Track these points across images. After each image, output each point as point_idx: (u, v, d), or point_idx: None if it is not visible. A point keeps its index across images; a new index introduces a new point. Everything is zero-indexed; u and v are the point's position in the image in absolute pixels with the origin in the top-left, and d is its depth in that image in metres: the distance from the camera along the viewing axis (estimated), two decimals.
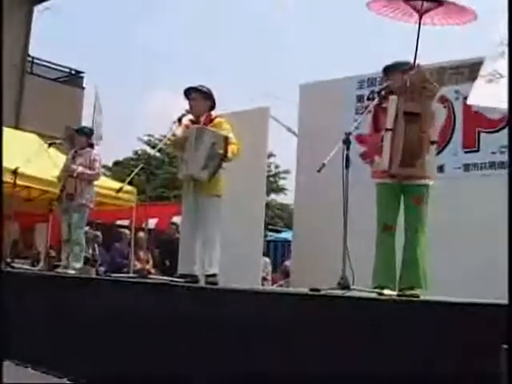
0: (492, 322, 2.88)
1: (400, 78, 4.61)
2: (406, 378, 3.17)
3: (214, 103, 5.62)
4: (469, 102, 5.39)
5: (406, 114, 4.24)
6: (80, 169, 7.05)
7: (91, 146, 7.46)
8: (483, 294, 3.46)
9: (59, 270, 6.98)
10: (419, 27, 4.63)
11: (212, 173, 5.29)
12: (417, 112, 4.27)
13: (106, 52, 43.35)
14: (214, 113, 5.64)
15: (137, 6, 47.99)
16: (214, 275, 5.25)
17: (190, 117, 5.56)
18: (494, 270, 4.46)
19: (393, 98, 4.29)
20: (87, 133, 7.54)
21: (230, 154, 5.30)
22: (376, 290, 4.09)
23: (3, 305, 5.30)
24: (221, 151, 5.26)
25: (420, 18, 4.64)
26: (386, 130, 4.26)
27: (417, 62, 4.51)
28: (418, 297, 3.97)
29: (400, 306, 3.56)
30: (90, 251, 11.03)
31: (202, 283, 5.23)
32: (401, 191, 4.50)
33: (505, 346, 2.69)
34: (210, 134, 5.32)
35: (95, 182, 7.43)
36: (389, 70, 4.69)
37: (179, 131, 5.51)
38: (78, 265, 6.98)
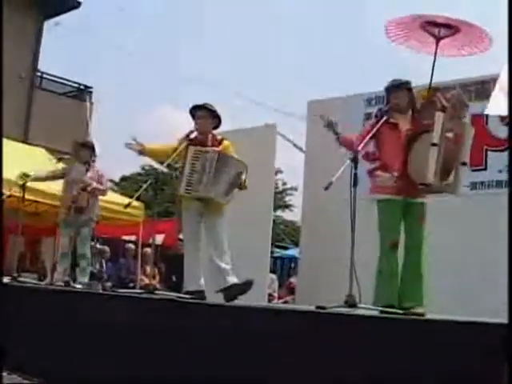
0: (494, 340, 2.87)
1: (405, 96, 4.63)
2: None
3: (220, 122, 5.60)
4: (488, 111, 5.37)
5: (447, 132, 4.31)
6: (94, 184, 6.96)
7: (93, 160, 7.30)
8: (488, 310, 3.46)
9: (61, 283, 6.89)
10: (435, 53, 4.64)
11: (231, 199, 5.40)
12: (456, 131, 4.34)
13: (113, 67, 43.61)
14: (216, 132, 5.63)
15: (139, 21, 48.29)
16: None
17: (196, 134, 5.52)
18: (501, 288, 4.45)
19: (439, 114, 4.31)
20: (93, 147, 7.36)
21: (246, 184, 5.41)
22: (383, 309, 4.08)
23: (10, 319, 5.31)
24: (242, 182, 5.38)
25: (437, 44, 4.66)
26: (433, 144, 4.26)
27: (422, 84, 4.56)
28: (423, 315, 3.96)
29: (405, 324, 3.54)
30: (97, 266, 11.06)
31: (207, 300, 5.23)
32: (403, 208, 4.49)
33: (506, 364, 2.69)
34: (236, 163, 5.40)
35: (102, 198, 7.42)
36: (393, 89, 4.69)
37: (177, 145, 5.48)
38: (85, 279, 6.97)
